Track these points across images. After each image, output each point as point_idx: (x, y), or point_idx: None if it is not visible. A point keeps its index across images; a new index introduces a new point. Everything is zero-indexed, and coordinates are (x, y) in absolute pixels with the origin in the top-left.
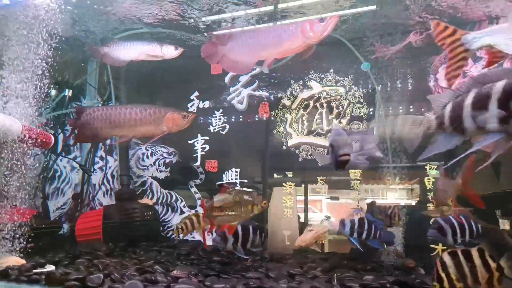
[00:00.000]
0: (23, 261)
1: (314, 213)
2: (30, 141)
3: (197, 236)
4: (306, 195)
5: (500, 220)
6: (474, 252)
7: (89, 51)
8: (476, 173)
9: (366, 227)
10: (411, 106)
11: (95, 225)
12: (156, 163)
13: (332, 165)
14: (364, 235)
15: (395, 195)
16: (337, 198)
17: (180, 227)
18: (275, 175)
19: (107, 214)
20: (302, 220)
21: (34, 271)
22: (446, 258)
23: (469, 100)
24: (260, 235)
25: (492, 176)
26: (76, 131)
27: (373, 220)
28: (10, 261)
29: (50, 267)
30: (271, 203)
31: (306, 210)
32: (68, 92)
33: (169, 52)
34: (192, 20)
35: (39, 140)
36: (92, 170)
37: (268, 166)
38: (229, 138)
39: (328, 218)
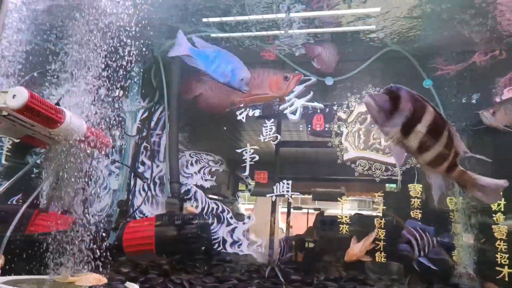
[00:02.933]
0: (105, 279)
1: None
2: (93, 143)
3: (245, 249)
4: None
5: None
6: None
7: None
8: None
9: (426, 239)
10: None
11: (146, 235)
12: (201, 171)
13: None
14: (426, 249)
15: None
16: (299, 208)
17: None
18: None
19: (159, 223)
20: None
21: None
22: None
23: None
24: None
25: None
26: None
27: (424, 227)
28: (90, 280)
29: (132, 286)
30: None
31: (288, 222)
32: (118, 92)
33: None
34: None
35: (100, 142)
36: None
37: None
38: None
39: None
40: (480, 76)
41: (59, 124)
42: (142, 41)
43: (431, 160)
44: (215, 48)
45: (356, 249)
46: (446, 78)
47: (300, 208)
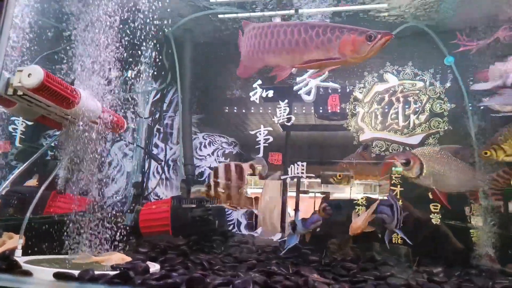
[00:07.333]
0: (129, 258)
1: None
2: (107, 124)
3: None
4: (298, 189)
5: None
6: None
7: None
8: None
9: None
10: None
11: (163, 216)
12: (215, 153)
13: None
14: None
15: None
16: (306, 192)
17: None
18: None
19: (174, 204)
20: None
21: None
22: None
23: None
24: None
25: None
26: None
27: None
28: (114, 259)
29: (154, 266)
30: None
31: (297, 205)
32: (131, 74)
33: None
34: None
35: (114, 123)
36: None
37: None
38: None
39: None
40: (503, 52)
41: (75, 105)
42: (153, 20)
43: None
44: None
45: (359, 222)
46: (468, 54)
47: (307, 192)
